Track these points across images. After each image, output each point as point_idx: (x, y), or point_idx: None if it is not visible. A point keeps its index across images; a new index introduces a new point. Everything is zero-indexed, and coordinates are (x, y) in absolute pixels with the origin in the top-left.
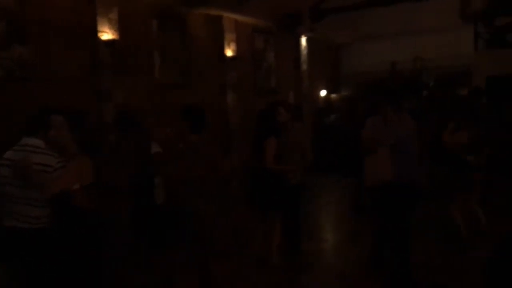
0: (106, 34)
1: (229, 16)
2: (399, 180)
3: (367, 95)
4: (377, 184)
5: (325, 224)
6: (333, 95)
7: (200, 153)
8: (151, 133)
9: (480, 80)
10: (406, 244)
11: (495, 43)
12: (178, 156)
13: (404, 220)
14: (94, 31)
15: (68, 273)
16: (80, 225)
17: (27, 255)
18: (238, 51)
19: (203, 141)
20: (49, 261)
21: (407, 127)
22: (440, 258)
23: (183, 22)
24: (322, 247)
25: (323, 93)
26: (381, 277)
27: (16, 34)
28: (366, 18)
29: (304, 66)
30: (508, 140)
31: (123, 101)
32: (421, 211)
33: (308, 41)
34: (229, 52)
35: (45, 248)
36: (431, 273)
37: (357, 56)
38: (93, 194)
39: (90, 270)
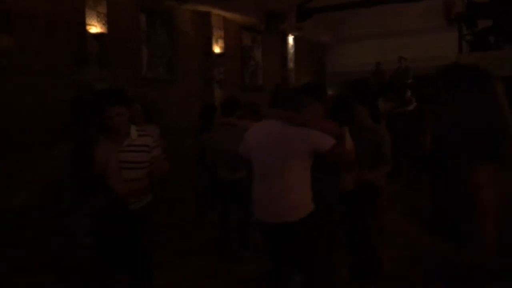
0: (95, 28)
1: (217, 12)
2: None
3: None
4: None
5: None
6: None
7: None
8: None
9: None
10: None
11: (479, 46)
12: None
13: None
14: (83, 24)
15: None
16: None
17: None
18: (225, 48)
19: None
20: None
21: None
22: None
23: (171, 17)
24: None
25: None
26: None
27: (2, 24)
28: (351, 19)
29: (291, 65)
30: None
31: None
32: None
33: (295, 40)
34: (216, 49)
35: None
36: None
37: (342, 56)
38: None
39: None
